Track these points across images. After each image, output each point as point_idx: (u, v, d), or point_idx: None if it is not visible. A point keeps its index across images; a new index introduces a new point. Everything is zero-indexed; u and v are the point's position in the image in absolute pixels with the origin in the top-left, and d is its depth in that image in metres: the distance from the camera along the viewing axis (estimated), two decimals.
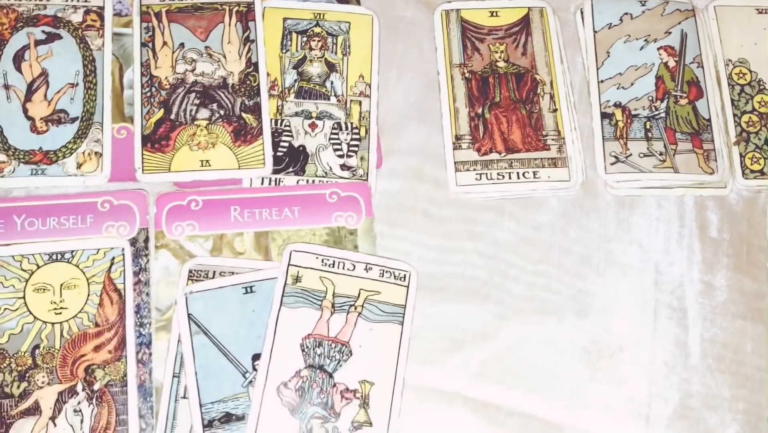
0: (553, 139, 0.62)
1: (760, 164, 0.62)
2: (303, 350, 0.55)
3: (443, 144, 0.62)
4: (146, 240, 0.57)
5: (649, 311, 0.59)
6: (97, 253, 0.56)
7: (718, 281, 0.60)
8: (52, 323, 0.54)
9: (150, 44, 0.61)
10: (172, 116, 0.60)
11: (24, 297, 0.54)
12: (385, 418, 0.54)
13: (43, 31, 0.60)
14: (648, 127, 0.63)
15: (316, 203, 0.59)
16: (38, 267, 0.55)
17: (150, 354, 0.55)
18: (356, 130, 0.61)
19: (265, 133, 0.60)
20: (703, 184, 0.62)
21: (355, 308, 0.56)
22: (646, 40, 0.65)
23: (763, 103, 0.64)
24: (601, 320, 0.59)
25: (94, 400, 0.53)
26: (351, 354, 0.55)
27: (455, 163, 0.61)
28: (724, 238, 0.61)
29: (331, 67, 0.63)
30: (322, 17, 0.64)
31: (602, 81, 0.64)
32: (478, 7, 0.65)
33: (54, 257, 0.55)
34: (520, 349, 0.58)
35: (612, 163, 0.62)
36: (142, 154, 0.58)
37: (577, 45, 0.65)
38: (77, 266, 0.55)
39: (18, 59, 0.59)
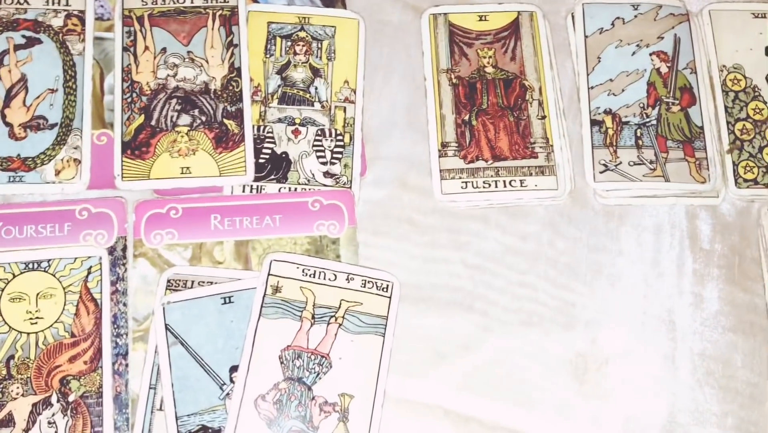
0: (541, 147, 0.61)
1: (753, 173, 0.61)
2: (282, 362, 0.54)
3: (429, 151, 0.61)
4: (124, 249, 0.56)
5: (637, 323, 0.58)
6: (75, 262, 0.55)
7: (709, 292, 0.59)
8: (28, 333, 0.53)
9: (131, 49, 0.60)
10: (153, 122, 0.59)
11: None
12: (365, 432, 0.53)
13: (23, 36, 0.60)
14: (639, 134, 0.61)
15: (298, 212, 0.58)
16: (14, 276, 0.54)
17: (126, 365, 0.54)
18: (340, 137, 0.60)
19: (247, 140, 0.59)
20: (695, 194, 0.61)
21: (336, 319, 0.55)
22: (638, 45, 0.63)
23: (757, 111, 0.62)
24: (588, 332, 0.58)
25: (68, 412, 0.52)
26: (331, 366, 0.54)
27: (441, 171, 0.60)
28: (716, 249, 0.60)
29: (316, 72, 0.62)
30: (307, 21, 0.62)
31: (593, 87, 0.62)
32: (466, 11, 0.64)
33: (30, 265, 0.55)
34: (504, 361, 0.57)
35: (601, 172, 0.60)
36: (122, 161, 0.58)
37: (567, 50, 0.64)
38: (54, 275, 0.55)
39: None
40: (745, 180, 0.61)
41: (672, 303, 0.59)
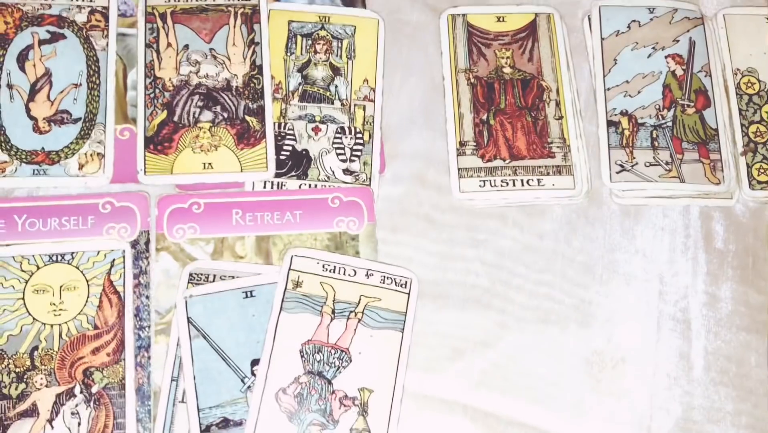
0: (558, 147, 0.61)
1: (767, 175, 0.62)
2: (302, 356, 0.54)
3: (447, 150, 0.61)
4: (147, 242, 0.57)
5: (652, 322, 0.59)
6: (98, 255, 0.56)
7: (723, 292, 0.60)
8: (51, 325, 0.54)
9: (154, 45, 0.61)
10: (176, 118, 0.59)
11: (23, 298, 0.54)
12: (384, 426, 0.54)
13: (47, 31, 0.60)
14: (654, 136, 0.62)
15: (318, 208, 0.59)
16: (38, 268, 0.55)
17: (149, 357, 0.54)
18: (360, 135, 0.61)
19: (269, 137, 0.59)
20: (709, 195, 0.61)
21: (356, 315, 0.56)
22: (653, 48, 0.64)
23: None
24: (604, 330, 0.58)
25: (91, 403, 0.53)
26: (350, 361, 0.55)
27: (459, 169, 0.61)
28: (730, 249, 0.61)
29: (336, 70, 0.62)
30: (327, 20, 0.63)
31: (609, 89, 0.63)
32: (484, 12, 0.65)
33: (54, 258, 0.55)
34: (521, 358, 0.57)
35: (617, 172, 0.61)
36: (145, 156, 0.58)
37: (584, 52, 0.65)
38: (77, 268, 0.55)
39: (22, 59, 0.59)
40: (759, 182, 0.62)
41: (687, 303, 0.59)
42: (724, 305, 0.59)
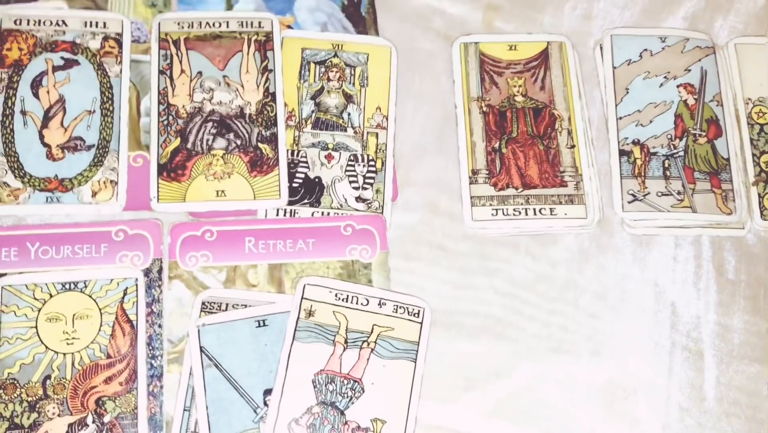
0: (570, 176, 0.62)
1: None
2: (315, 386, 0.54)
3: (459, 178, 0.61)
4: (160, 270, 0.57)
5: (664, 352, 0.59)
6: (111, 283, 0.55)
7: (735, 323, 0.60)
8: (64, 354, 0.54)
9: (168, 72, 0.61)
10: (189, 145, 0.59)
11: (36, 327, 0.54)
12: None
13: (61, 57, 0.60)
14: (666, 165, 0.62)
15: (331, 236, 0.59)
16: (51, 296, 0.55)
17: (161, 387, 0.54)
18: (372, 163, 0.61)
19: (282, 164, 0.59)
20: (721, 225, 0.62)
21: (368, 344, 0.56)
22: (665, 77, 0.64)
23: None
24: (616, 360, 0.58)
25: (104, 432, 0.52)
26: (363, 391, 0.55)
27: (471, 197, 0.61)
28: (741, 279, 0.61)
29: (349, 98, 0.62)
30: (340, 48, 0.63)
31: (621, 118, 0.63)
32: (496, 41, 0.65)
33: (67, 286, 0.55)
34: (534, 388, 0.57)
35: (629, 202, 0.61)
36: (158, 183, 0.58)
37: (595, 80, 0.65)
38: (90, 296, 0.55)
39: (36, 85, 0.59)
40: None
41: (699, 333, 0.59)
42: (736, 335, 0.59)
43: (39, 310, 0.54)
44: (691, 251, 0.61)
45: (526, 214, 0.61)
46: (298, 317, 0.56)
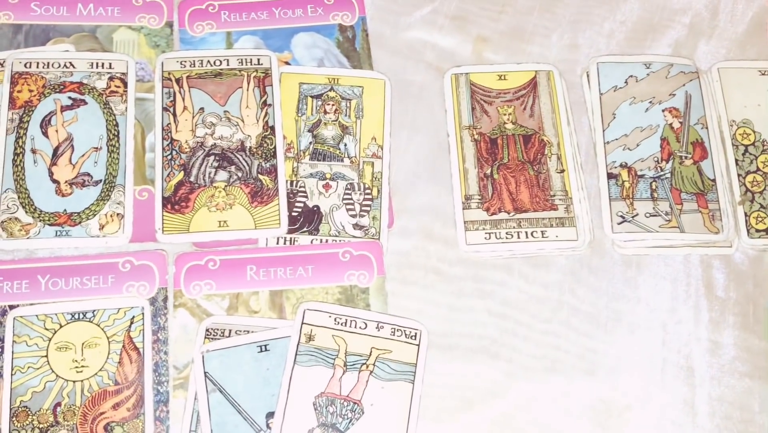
0: (560, 199, 0.64)
1: (765, 223, 0.63)
2: (316, 409, 0.56)
3: (453, 204, 0.63)
4: (165, 299, 0.59)
5: (656, 369, 0.60)
6: (118, 312, 0.58)
7: (725, 339, 0.61)
8: (74, 381, 0.56)
9: (171, 109, 0.64)
10: (192, 178, 0.62)
11: (47, 356, 0.56)
12: None
13: (69, 97, 0.63)
14: (654, 187, 0.64)
15: (330, 262, 0.61)
16: (61, 326, 0.57)
17: (167, 412, 0.56)
18: (368, 191, 0.63)
19: (281, 194, 0.62)
20: (709, 244, 0.63)
21: (367, 367, 0.57)
22: (651, 102, 0.66)
23: (767, 163, 0.65)
24: (610, 378, 0.60)
25: None
26: (363, 413, 0.56)
27: (465, 222, 0.63)
28: (731, 296, 0.62)
29: (345, 129, 0.65)
30: (336, 82, 0.66)
31: (608, 142, 0.65)
32: (486, 71, 0.67)
33: (76, 316, 0.57)
34: (529, 408, 0.59)
35: (619, 223, 0.63)
36: (163, 216, 0.61)
37: (583, 107, 0.67)
38: (98, 325, 0.57)
39: (45, 124, 0.62)
40: (757, 230, 0.63)
41: (690, 350, 0.61)
42: (727, 351, 0.61)
43: (49, 339, 0.57)
44: (681, 269, 0.63)
45: (519, 237, 0.62)
46: (299, 342, 0.57)
